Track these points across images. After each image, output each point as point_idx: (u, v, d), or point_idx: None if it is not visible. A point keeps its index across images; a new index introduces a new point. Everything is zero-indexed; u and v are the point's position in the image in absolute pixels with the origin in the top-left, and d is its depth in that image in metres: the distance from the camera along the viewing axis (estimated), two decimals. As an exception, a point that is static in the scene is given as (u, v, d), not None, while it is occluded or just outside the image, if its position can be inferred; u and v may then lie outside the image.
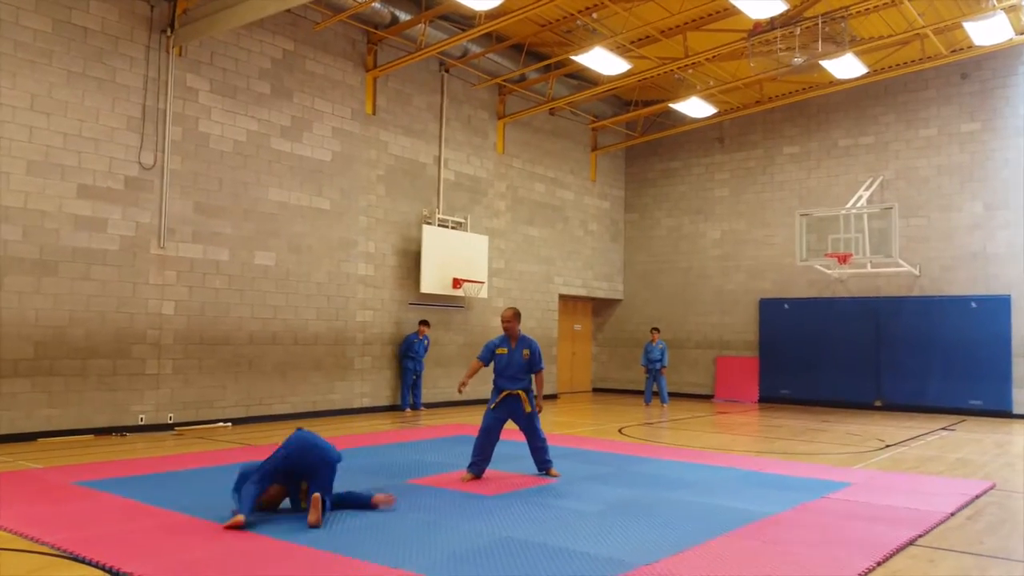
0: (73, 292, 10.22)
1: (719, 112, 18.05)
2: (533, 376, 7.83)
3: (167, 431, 10.96)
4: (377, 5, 13.12)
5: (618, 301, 20.72)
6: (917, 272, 16.21)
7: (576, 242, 19.22)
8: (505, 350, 7.74)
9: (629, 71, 15.11)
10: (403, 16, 13.64)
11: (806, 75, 16.24)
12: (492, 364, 7.79)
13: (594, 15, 13.97)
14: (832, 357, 17.06)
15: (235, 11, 10.69)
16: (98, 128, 10.52)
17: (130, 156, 10.85)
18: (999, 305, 15.42)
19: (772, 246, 18.33)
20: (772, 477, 7.96)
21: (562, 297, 19.03)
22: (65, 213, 10.17)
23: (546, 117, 18.21)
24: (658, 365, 16.61)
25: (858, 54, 14.56)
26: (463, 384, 7.66)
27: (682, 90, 17.03)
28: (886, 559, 5.06)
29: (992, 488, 7.64)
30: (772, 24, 13.71)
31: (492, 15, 13.07)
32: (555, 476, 7.70)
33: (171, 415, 11.17)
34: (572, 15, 14.08)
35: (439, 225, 15.18)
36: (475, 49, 15.01)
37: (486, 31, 13.74)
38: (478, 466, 7.54)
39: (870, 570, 4.81)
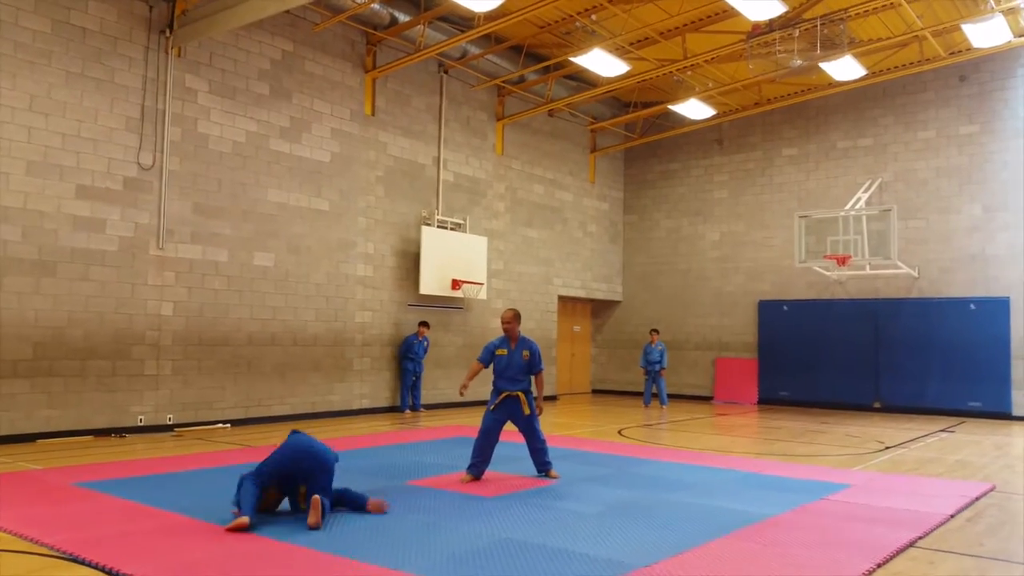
0: (72, 293, 10.21)
1: (718, 114, 18.06)
2: (533, 377, 7.83)
3: (166, 432, 10.95)
4: (376, 6, 13.12)
5: (617, 302, 20.73)
6: (916, 274, 16.23)
7: (575, 243, 19.22)
8: (505, 351, 7.74)
9: (628, 73, 15.12)
10: (402, 17, 13.64)
11: (805, 77, 16.25)
12: (492, 365, 7.80)
13: (593, 17, 13.97)
14: (831, 359, 17.07)
15: (234, 12, 10.68)
16: (97, 129, 10.52)
17: (129, 157, 10.84)
18: (998, 307, 15.43)
19: (771, 248, 18.34)
20: (771, 479, 7.95)
21: (561, 298, 19.03)
22: (64, 214, 10.16)
23: (545, 118, 18.22)
24: (657, 367, 16.62)
25: (857, 56, 14.58)
26: (464, 387, 7.66)
27: (681, 92, 17.04)
28: (886, 561, 5.06)
29: (992, 490, 7.64)
30: (771, 26, 13.73)
31: (491, 16, 13.08)
32: (554, 477, 7.69)
33: (170, 416, 11.16)
34: (571, 17, 14.08)
35: (438, 226, 15.18)
36: (474, 50, 15.02)
37: (485, 32, 13.74)
38: (477, 467, 7.53)
39: (870, 572, 4.80)
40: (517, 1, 12.64)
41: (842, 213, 15.19)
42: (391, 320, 14.50)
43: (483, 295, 15.98)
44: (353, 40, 13.97)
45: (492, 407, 7.68)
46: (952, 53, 15.28)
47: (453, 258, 15.16)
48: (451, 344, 15.75)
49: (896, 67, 15.98)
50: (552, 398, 18.11)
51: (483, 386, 8.21)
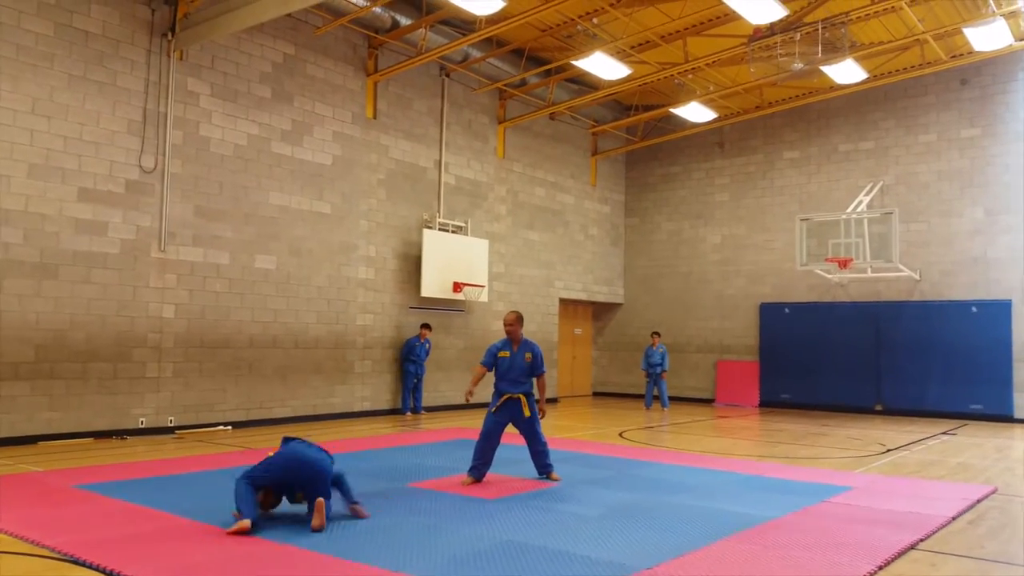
0: (73, 295, 10.22)
1: (719, 117, 18.07)
2: (535, 380, 7.83)
3: (167, 434, 10.95)
4: (378, 10, 13.14)
5: (618, 305, 20.72)
6: (917, 277, 16.22)
7: (576, 246, 19.23)
8: (507, 353, 7.74)
9: (629, 76, 15.13)
10: (404, 21, 13.66)
11: (806, 80, 16.27)
12: (494, 368, 7.80)
13: (595, 20, 13.98)
14: (832, 361, 17.06)
15: (236, 15, 10.71)
16: (99, 132, 10.54)
17: (131, 160, 10.86)
18: (1000, 310, 15.42)
19: (772, 251, 18.34)
20: (773, 481, 7.95)
21: (562, 301, 19.03)
22: (66, 216, 10.17)
23: (546, 122, 18.23)
24: (659, 369, 16.62)
25: (858, 59, 14.59)
26: (469, 393, 7.68)
27: (682, 95, 17.06)
28: (887, 563, 5.05)
29: (994, 492, 7.63)
30: (772, 29, 13.73)
31: (493, 20, 13.10)
32: (556, 480, 7.69)
33: (171, 418, 11.17)
34: (572, 20, 14.09)
35: (439, 229, 15.19)
36: (476, 54, 15.04)
37: (487, 36, 13.76)
38: (479, 470, 7.53)
39: (872, 574, 4.80)
40: (518, 5, 12.66)
41: (843, 216, 15.20)
42: (392, 323, 14.51)
43: (484, 298, 15.99)
44: (355, 43, 13.99)
45: (493, 409, 7.69)
46: (953, 56, 15.30)
47: (454, 261, 15.17)
48: (452, 347, 15.75)
49: (897, 70, 15.98)
50: (553, 400, 18.10)
51: (485, 388, 8.20)
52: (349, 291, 13.73)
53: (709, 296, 19.25)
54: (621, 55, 14.68)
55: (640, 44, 14.85)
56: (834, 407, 16.89)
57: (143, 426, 10.84)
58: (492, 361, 7.76)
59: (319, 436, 10.66)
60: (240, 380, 12.03)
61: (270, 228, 12.51)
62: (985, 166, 15.89)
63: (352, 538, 5.33)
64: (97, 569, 4.59)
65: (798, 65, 14.19)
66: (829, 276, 16.56)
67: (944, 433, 13.06)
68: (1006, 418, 15.09)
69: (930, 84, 16.53)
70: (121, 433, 10.58)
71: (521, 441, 7.93)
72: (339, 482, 5.92)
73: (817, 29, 13.43)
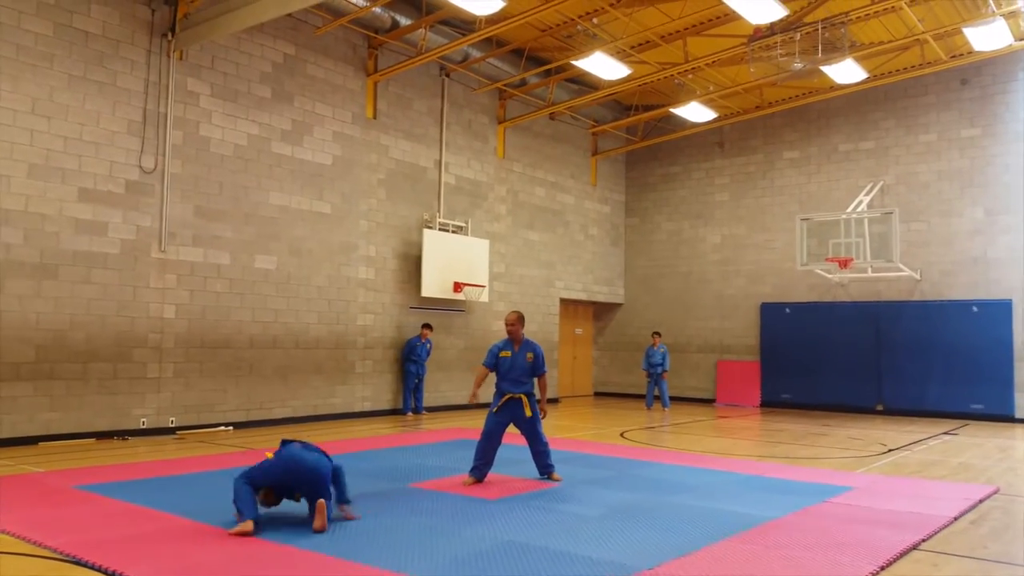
0: (74, 296, 10.22)
1: (719, 117, 18.07)
2: (536, 380, 7.83)
3: (168, 435, 10.95)
4: (378, 10, 13.14)
5: (619, 305, 20.72)
6: (918, 276, 16.22)
7: (577, 246, 19.22)
8: (509, 353, 7.74)
9: (629, 76, 15.13)
10: (404, 21, 13.66)
11: (806, 80, 16.27)
12: (495, 368, 7.79)
13: (594, 20, 13.98)
14: (833, 361, 17.06)
15: (236, 15, 10.71)
16: (99, 132, 10.53)
17: (131, 160, 10.85)
18: (1000, 310, 15.42)
19: (772, 250, 18.33)
20: (774, 481, 7.94)
21: (563, 301, 19.03)
22: (66, 217, 10.17)
23: (546, 122, 18.23)
24: (659, 369, 16.62)
25: (858, 59, 14.59)
26: (473, 395, 7.69)
27: (682, 95, 17.06)
28: (889, 563, 5.05)
29: (995, 493, 7.63)
30: (772, 29, 13.73)
31: (493, 20, 13.10)
32: (557, 480, 7.69)
33: (172, 419, 11.16)
34: (572, 20, 14.09)
35: (440, 229, 15.19)
36: (476, 54, 15.04)
37: (487, 36, 13.76)
38: (480, 470, 7.52)
39: (873, 574, 4.79)
40: (518, 5, 12.66)
41: (844, 216, 15.19)
42: (393, 323, 14.50)
43: (485, 298, 15.98)
44: (355, 43, 13.99)
45: (495, 409, 7.68)
46: (953, 56, 15.29)
47: (455, 261, 15.17)
48: (453, 347, 15.74)
49: (897, 70, 15.98)
50: (554, 400, 18.09)
51: (486, 388, 8.20)
52: (349, 291, 13.73)
53: (709, 296, 19.25)
54: (621, 55, 14.68)
55: (640, 44, 14.85)
56: (835, 407, 16.89)
57: (144, 426, 10.84)
58: (494, 361, 7.76)
59: (320, 436, 10.66)
60: (241, 380, 12.02)
61: (270, 228, 12.50)
62: (985, 166, 15.89)
63: (353, 539, 5.33)
64: (98, 570, 4.59)
65: (798, 65, 14.19)
66: (829, 276, 16.56)
67: (945, 433, 13.06)
68: (1007, 418, 15.09)
69: (930, 84, 16.53)
70: (122, 434, 10.58)
71: (522, 441, 7.93)
72: (336, 477, 5.90)
73: (817, 29, 13.43)
